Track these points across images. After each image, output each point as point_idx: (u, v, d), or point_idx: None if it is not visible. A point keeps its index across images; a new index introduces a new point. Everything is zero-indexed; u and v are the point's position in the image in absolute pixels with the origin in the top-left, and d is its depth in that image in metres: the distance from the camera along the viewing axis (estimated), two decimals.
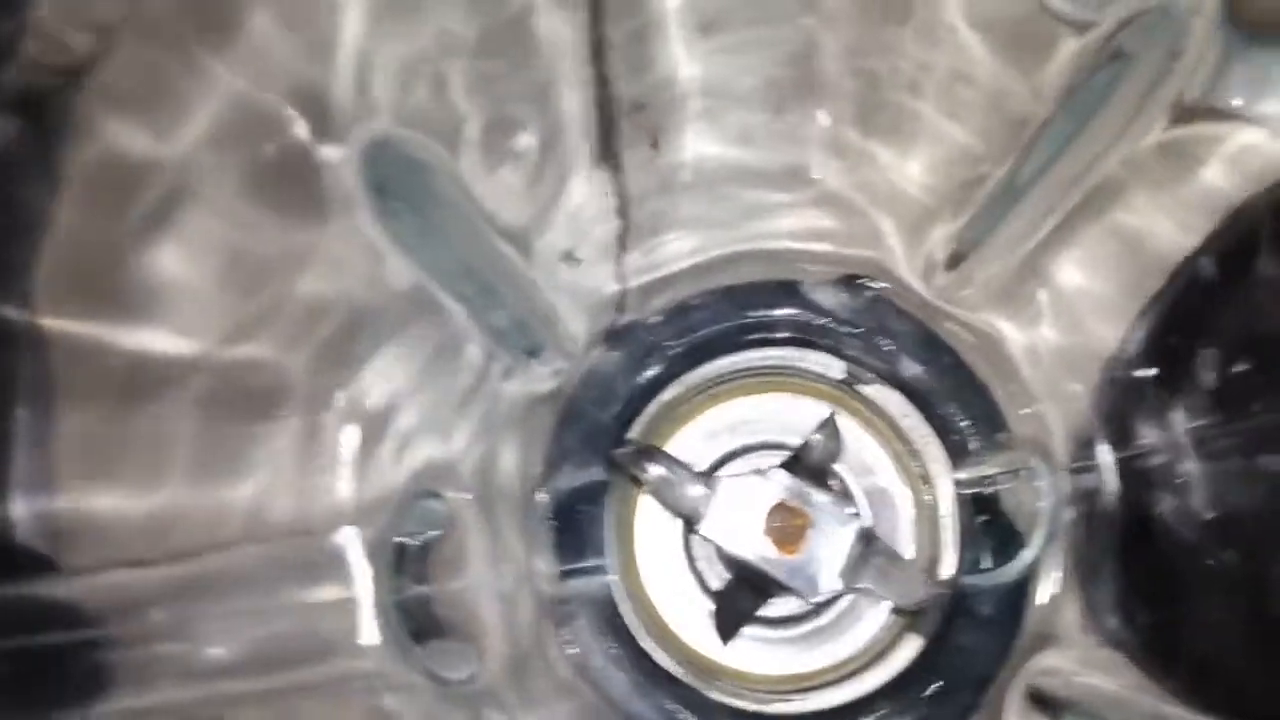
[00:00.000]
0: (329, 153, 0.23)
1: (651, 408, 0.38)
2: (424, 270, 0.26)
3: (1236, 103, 0.24)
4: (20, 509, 0.22)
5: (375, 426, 0.29)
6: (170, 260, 0.23)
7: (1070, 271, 0.30)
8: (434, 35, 0.24)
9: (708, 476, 0.35)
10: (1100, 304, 0.30)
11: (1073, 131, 0.26)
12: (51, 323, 0.21)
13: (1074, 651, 0.31)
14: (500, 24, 0.25)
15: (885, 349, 0.37)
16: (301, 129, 0.22)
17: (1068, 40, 0.25)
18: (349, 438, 0.28)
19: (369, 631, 0.28)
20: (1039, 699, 0.32)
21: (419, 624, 0.30)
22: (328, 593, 0.27)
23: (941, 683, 0.35)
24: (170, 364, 0.24)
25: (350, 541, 0.28)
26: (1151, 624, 0.31)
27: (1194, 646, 0.29)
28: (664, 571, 0.38)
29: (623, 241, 0.33)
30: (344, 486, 0.28)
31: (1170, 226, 0.27)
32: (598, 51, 0.27)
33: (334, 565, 0.28)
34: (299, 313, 0.25)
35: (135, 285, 0.23)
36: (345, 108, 0.23)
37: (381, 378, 0.28)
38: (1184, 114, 0.25)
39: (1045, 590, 0.34)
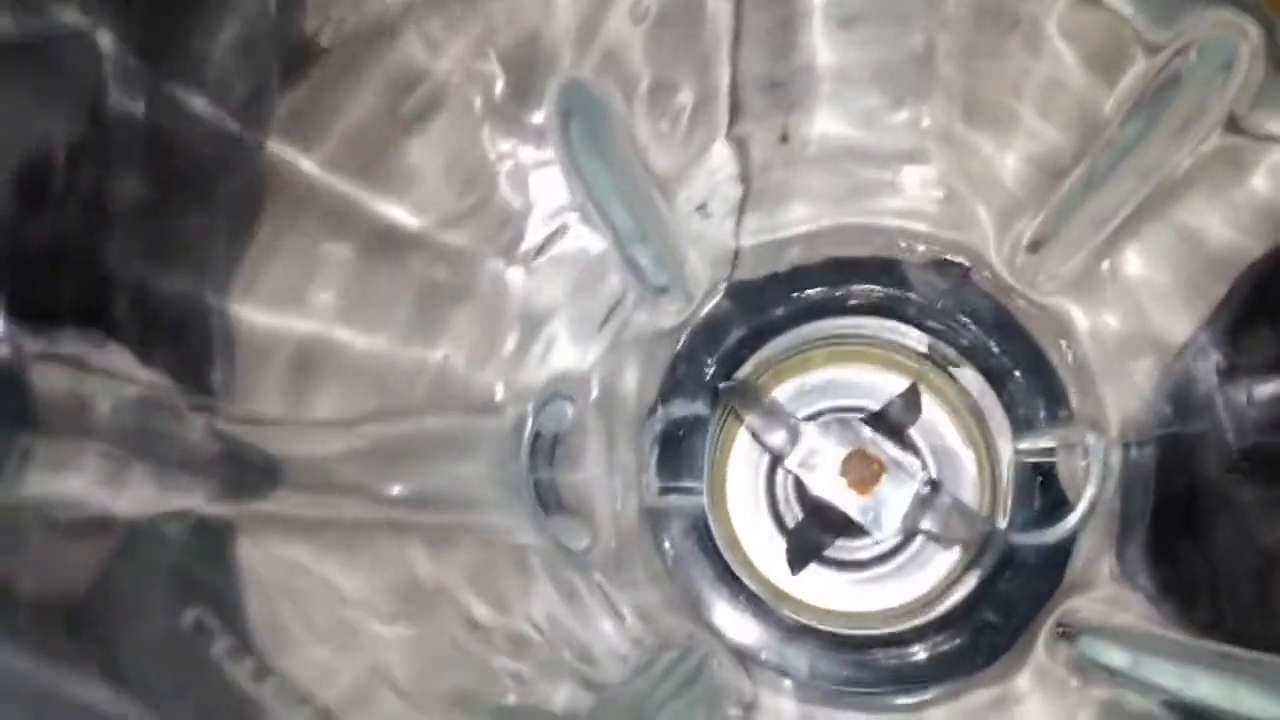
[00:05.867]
0: (543, 85, 0.29)
1: (753, 360, 0.43)
2: (588, 196, 0.32)
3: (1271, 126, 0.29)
4: (282, 323, 0.29)
5: (532, 327, 0.35)
6: (419, 151, 0.29)
7: (1134, 263, 0.35)
8: (629, 6, 0.30)
9: (799, 420, 0.40)
10: (1160, 294, 0.35)
11: (1139, 136, 0.31)
12: (332, 180, 0.27)
13: (1102, 594, 0.36)
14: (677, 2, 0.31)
15: (966, 327, 0.41)
16: (525, 65, 0.28)
17: (1141, 56, 0.30)
18: (513, 332, 0.34)
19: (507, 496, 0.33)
20: (1065, 632, 0.36)
21: (546, 500, 0.36)
22: (482, 460, 0.33)
23: (987, 618, 0.39)
24: (402, 235, 0.30)
25: (500, 424, 0.34)
26: (1175, 575, 0.35)
27: (1207, 588, 0.33)
28: (748, 504, 0.43)
29: (742, 206, 0.38)
30: (503, 373, 0.34)
31: (1224, 227, 0.32)
32: (738, 34, 0.32)
33: (487, 441, 0.34)
34: (495, 215, 0.31)
35: (391, 164, 0.29)
36: (558, 53, 0.29)
37: (543, 287, 0.34)
38: (1233, 126, 0.29)
39: (1085, 547, 0.38)
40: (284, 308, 0.28)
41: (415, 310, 0.31)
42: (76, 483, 0.22)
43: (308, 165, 0.27)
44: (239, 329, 0.27)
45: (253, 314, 0.27)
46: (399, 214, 0.29)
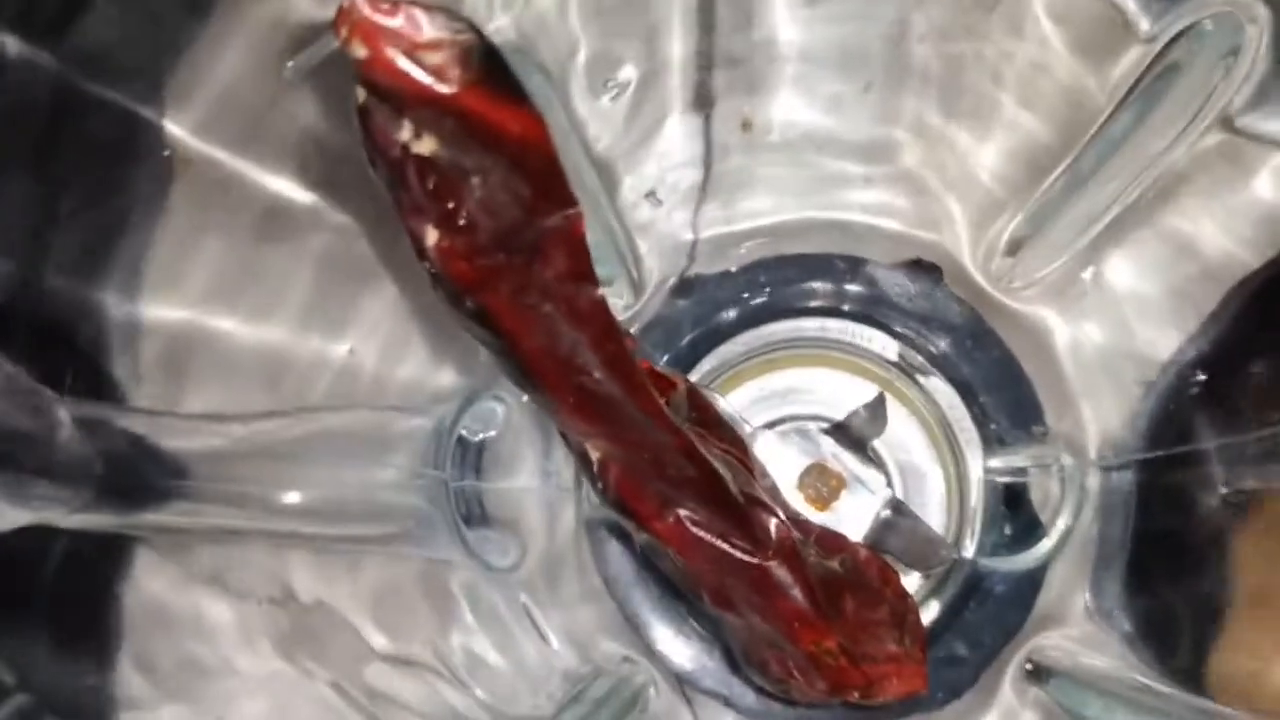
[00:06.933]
0: None
1: (707, 362, 0.40)
2: None
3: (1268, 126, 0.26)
4: (153, 312, 0.25)
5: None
6: (310, 115, 0.26)
7: (1120, 271, 0.32)
8: None
9: (754, 428, 0.37)
10: (1146, 305, 0.32)
11: (1131, 128, 0.28)
12: (206, 150, 0.24)
13: (1075, 631, 0.33)
14: None
15: (938, 335, 0.38)
16: None
17: (1135, 42, 0.27)
18: (431, 324, 0.31)
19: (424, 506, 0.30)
20: (1035, 670, 0.33)
21: (469, 511, 0.33)
22: (393, 466, 0.30)
23: (950, 650, 0.36)
24: (294, 210, 0.26)
25: (419, 425, 0.31)
26: (1154, 614, 0.32)
27: (1189, 633, 0.31)
28: None
29: (702, 192, 0.35)
30: (422, 368, 0.31)
31: (1220, 235, 0.29)
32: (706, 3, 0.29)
33: (403, 443, 0.31)
34: None
35: (277, 130, 0.25)
36: (477, 9, 0.26)
37: None
38: (1227, 126, 0.26)
39: (1058, 577, 0.35)
40: (154, 294, 0.25)
41: (313, 296, 0.28)
42: None
43: (176, 129, 0.24)
44: (102, 318, 0.24)
45: (117, 301, 0.24)
46: (288, 186, 0.26)
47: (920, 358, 0.39)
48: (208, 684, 0.24)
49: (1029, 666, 0.34)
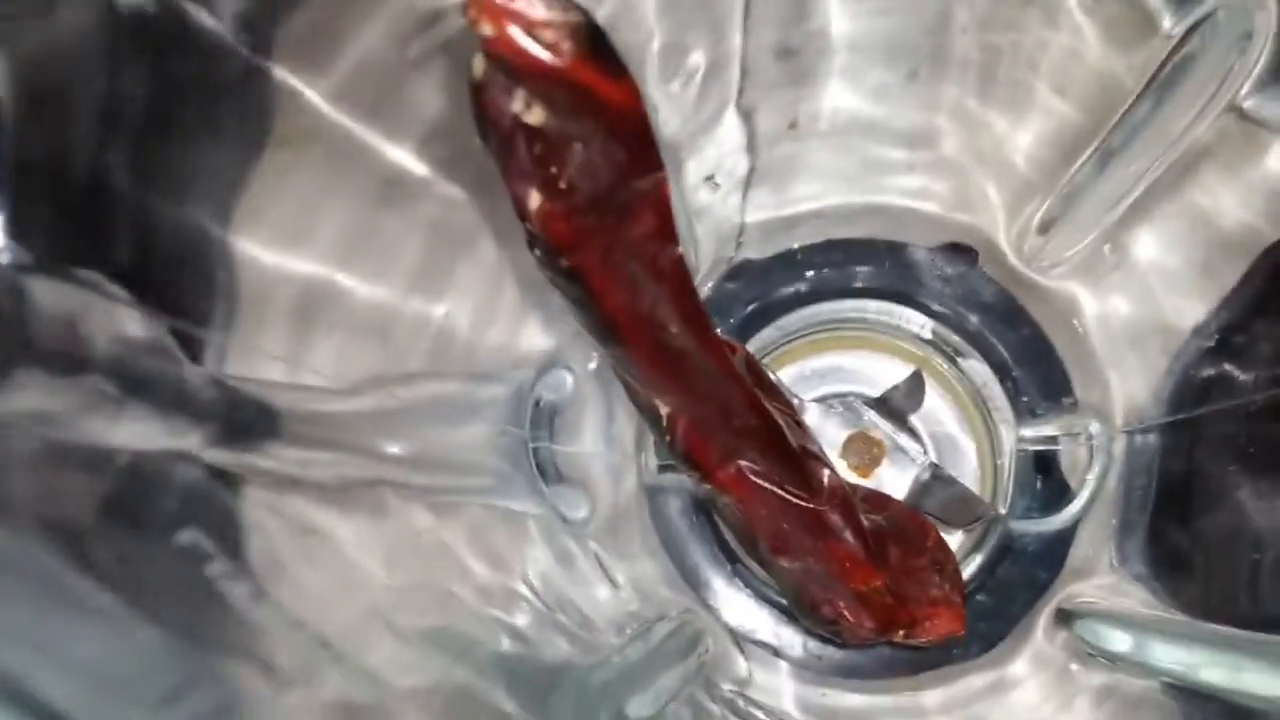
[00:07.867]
0: None
1: (755, 341, 0.43)
2: None
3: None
4: (286, 265, 0.28)
5: (534, 291, 0.34)
6: (427, 93, 0.28)
7: (1145, 246, 0.34)
8: None
9: (801, 400, 0.40)
10: (1170, 278, 0.34)
11: (1154, 110, 0.31)
12: (339, 118, 0.27)
13: (1103, 580, 0.35)
14: None
15: (973, 314, 0.41)
16: None
17: (1161, 28, 0.29)
18: (515, 294, 0.34)
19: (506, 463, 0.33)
20: (1064, 616, 0.36)
21: (545, 470, 0.35)
22: (481, 426, 0.33)
23: (985, 603, 0.39)
24: (409, 179, 0.29)
25: (501, 391, 0.34)
26: (1173, 561, 0.35)
27: (1205, 574, 0.33)
28: None
29: (750, 180, 0.38)
30: (504, 336, 0.34)
31: (1238, 209, 0.32)
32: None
33: (488, 407, 0.33)
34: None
35: (399, 104, 0.28)
36: None
37: None
38: (1236, 111, 0.29)
39: (1086, 536, 0.38)
40: (288, 246, 0.28)
41: (420, 261, 0.31)
42: (71, 407, 0.21)
43: (315, 96, 0.26)
44: (242, 264, 0.26)
45: (257, 250, 0.27)
46: (405, 157, 0.29)
47: (956, 336, 0.41)
48: (348, 574, 0.27)
49: (1060, 614, 0.36)
